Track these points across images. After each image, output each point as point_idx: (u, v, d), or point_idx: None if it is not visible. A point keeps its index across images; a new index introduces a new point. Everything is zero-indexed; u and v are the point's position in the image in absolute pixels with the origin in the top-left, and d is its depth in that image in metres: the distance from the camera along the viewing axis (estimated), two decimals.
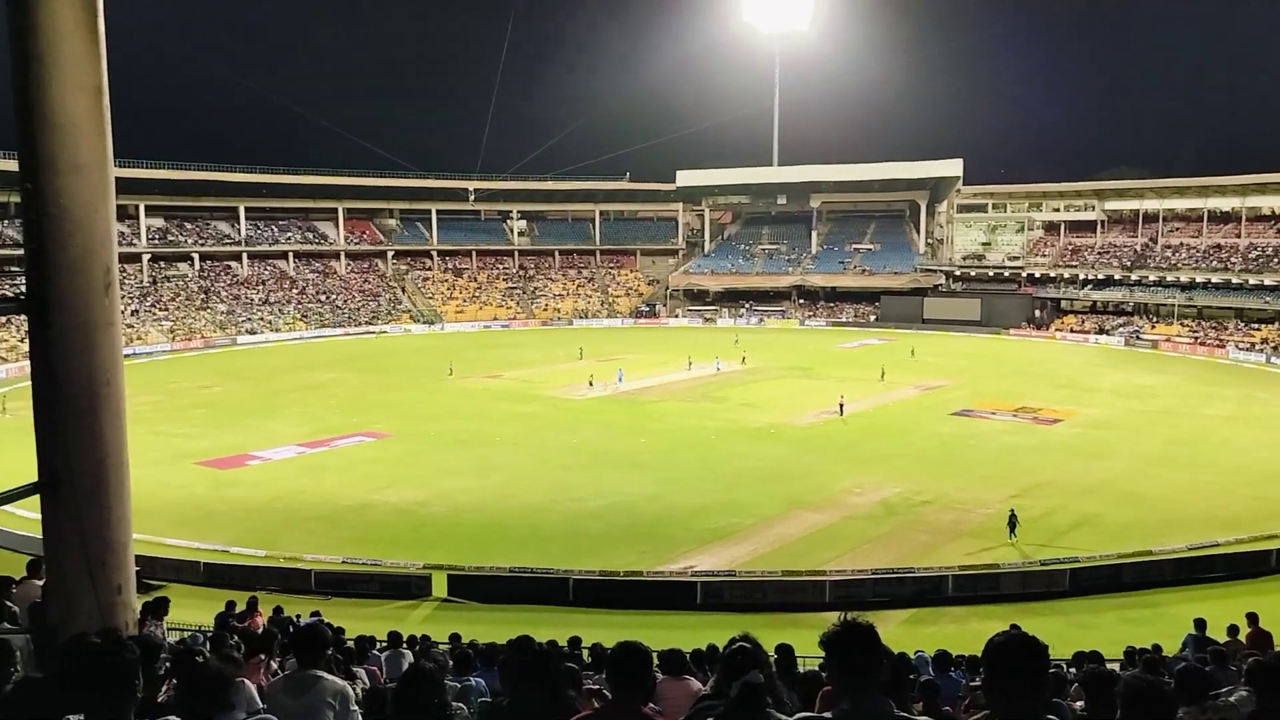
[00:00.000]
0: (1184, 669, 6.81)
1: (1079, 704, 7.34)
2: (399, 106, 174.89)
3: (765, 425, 47.21)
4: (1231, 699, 6.12)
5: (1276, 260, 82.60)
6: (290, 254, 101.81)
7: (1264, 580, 26.45)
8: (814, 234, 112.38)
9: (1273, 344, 74.87)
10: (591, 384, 57.97)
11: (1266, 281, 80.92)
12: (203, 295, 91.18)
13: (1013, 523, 29.78)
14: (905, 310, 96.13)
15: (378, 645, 14.49)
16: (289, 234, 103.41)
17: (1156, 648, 13.84)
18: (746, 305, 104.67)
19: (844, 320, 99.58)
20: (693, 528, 31.21)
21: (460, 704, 7.70)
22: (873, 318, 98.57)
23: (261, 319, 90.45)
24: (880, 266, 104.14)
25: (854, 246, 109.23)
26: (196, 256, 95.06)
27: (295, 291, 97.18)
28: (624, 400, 54.91)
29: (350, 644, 13.92)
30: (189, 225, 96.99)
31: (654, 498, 34.65)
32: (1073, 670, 12.28)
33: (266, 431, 45.80)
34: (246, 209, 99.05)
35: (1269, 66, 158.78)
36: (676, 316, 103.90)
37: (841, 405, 49.61)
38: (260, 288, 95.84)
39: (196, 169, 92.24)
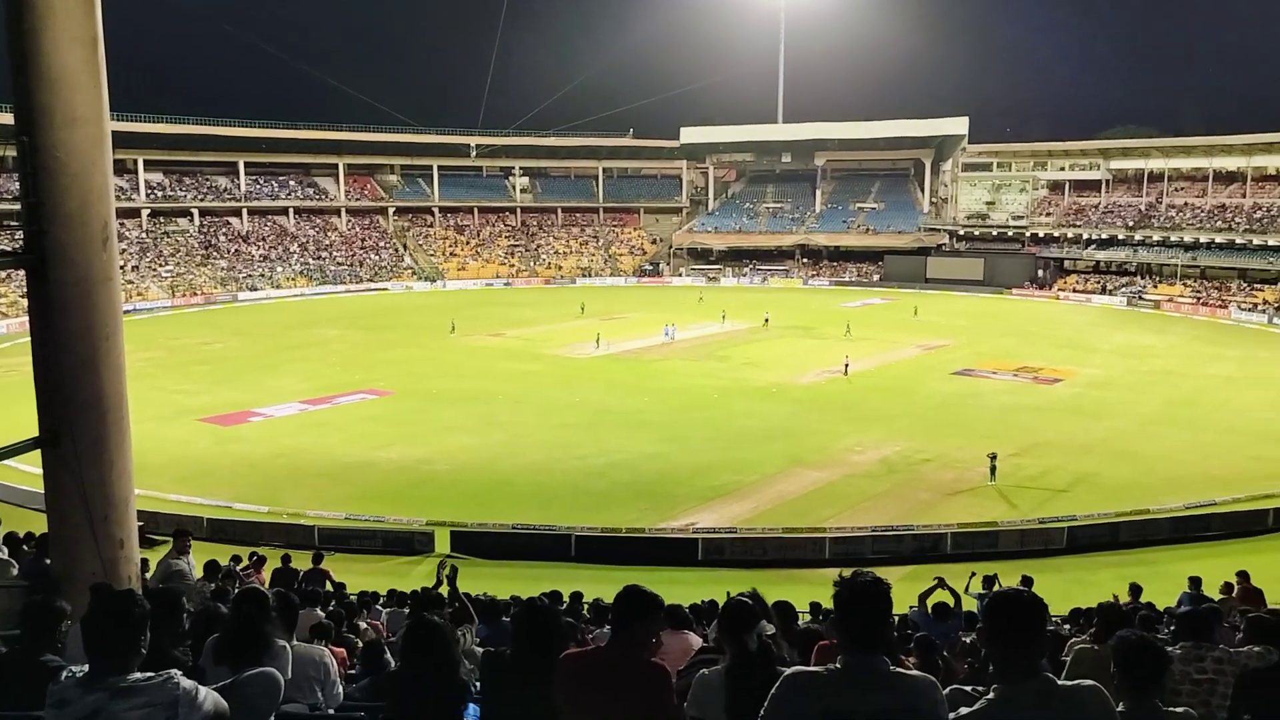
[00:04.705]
0: (1186, 613, 6.87)
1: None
2: (400, 61, 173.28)
3: (768, 384, 47.26)
4: (1241, 650, 6.21)
5: None
6: (291, 210, 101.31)
7: (1260, 539, 26.64)
8: (818, 192, 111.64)
9: (1275, 304, 74.62)
10: (599, 343, 57.72)
11: (1270, 242, 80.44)
12: (203, 251, 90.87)
13: (993, 467, 31.27)
14: (909, 269, 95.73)
15: (380, 600, 14.64)
16: (289, 189, 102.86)
17: (1150, 605, 13.94)
18: (750, 264, 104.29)
19: (847, 279, 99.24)
20: (695, 485, 31.39)
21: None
22: (876, 277, 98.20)
23: (262, 275, 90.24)
24: (884, 226, 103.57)
25: (858, 205, 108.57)
26: (196, 212, 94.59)
27: (296, 248, 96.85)
28: (627, 359, 54.94)
29: (352, 599, 14.08)
30: (188, 180, 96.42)
31: (656, 456, 34.78)
32: (1067, 627, 12.41)
33: (268, 388, 45.89)
34: (246, 164, 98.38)
35: (1274, 25, 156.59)
36: (680, 275, 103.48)
37: (846, 364, 49.64)
38: (261, 244, 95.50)
39: (195, 123, 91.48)
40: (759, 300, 79.42)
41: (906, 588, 17.28)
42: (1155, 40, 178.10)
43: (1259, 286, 79.46)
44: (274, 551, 19.31)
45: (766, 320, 67.75)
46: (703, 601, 12.97)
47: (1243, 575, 15.18)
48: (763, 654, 3.94)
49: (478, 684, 5.02)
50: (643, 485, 31.57)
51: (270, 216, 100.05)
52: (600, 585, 17.45)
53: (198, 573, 11.16)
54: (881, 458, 34.53)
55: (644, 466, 33.59)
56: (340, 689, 5.97)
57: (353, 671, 7.84)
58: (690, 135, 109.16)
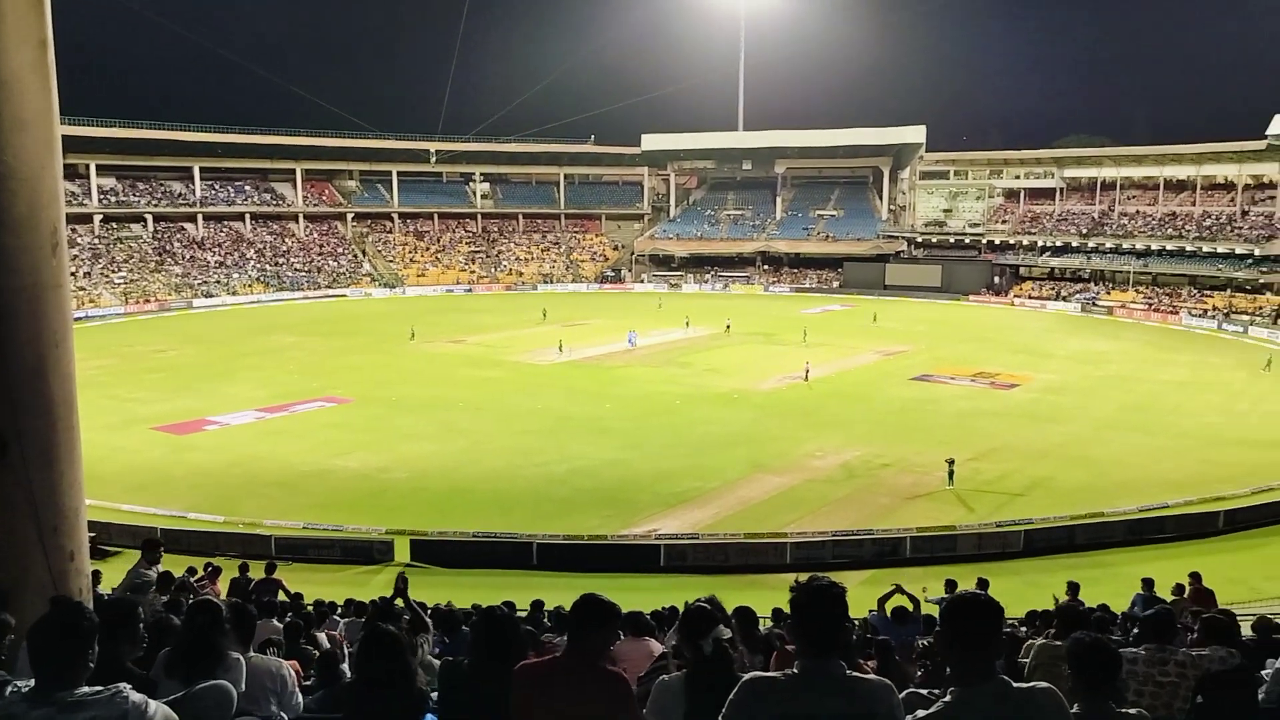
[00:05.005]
0: (1149, 616, 7.01)
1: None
2: (359, 65, 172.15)
3: (730, 390, 47.43)
4: (1204, 653, 6.35)
5: (1229, 228, 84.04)
6: (247, 215, 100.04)
7: (1211, 540, 27.20)
8: (779, 200, 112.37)
9: (1224, 310, 76.36)
10: (561, 350, 57.61)
11: (1219, 249, 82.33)
12: (157, 257, 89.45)
13: (951, 472, 31.70)
14: (868, 276, 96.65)
15: (338, 611, 14.49)
16: (245, 195, 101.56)
17: (1104, 606, 14.16)
18: (712, 271, 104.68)
19: (808, 286, 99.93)
20: (657, 491, 31.40)
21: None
22: (836, 284, 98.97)
23: (218, 281, 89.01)
24: (843, 233, 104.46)
25: (818, 213, 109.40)
26: (150, 218, 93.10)
27: (252, 254, 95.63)
28: (589, 366, 54.89)
29: (309, 609, 13.91)
30: (141, 185, 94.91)
31: (618, 462, 34.76)
32: (1023, 629, 12.56)
33: (224, 396, 45.25)
34: (201, 169, 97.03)
35: (1222, 36, 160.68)
36: (642, 282, 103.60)
37: (807, 370, 49.98)
38: (216, 250, 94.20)
39: (149, 127, 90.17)
40: (721, 307, 79.77)
41: (866, 591, 17.44)
42: (1107, 51, 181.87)
43: (1208, 293, 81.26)
44: (230, 562, 19.02)
45: (728, 327, 68.02)
46: (664, 608, 12.96)
47: (1195, 576, 15.45)
48: (719, 658, 3.95)
49: (435, 694, 4.97)
50: (605, 492, 31.52)
51: (226, 222, 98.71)
52: (562, 593, 17.40)
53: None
54: (842, 463, 34.78)
55: (606, 473, 33.55)
56: (299, 700, 5.88)
57: (308, 683, 7.73)
58: (651, 142, 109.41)
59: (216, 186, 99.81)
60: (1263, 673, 6.79)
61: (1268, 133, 77.01)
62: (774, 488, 32.00)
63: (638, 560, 25.58)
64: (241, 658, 5.41)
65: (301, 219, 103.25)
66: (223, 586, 14.86)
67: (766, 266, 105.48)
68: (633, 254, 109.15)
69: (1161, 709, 5.82)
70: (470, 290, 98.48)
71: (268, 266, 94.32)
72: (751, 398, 46.03)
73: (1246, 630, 10.11)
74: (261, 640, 7.89)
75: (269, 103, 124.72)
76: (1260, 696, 6.54)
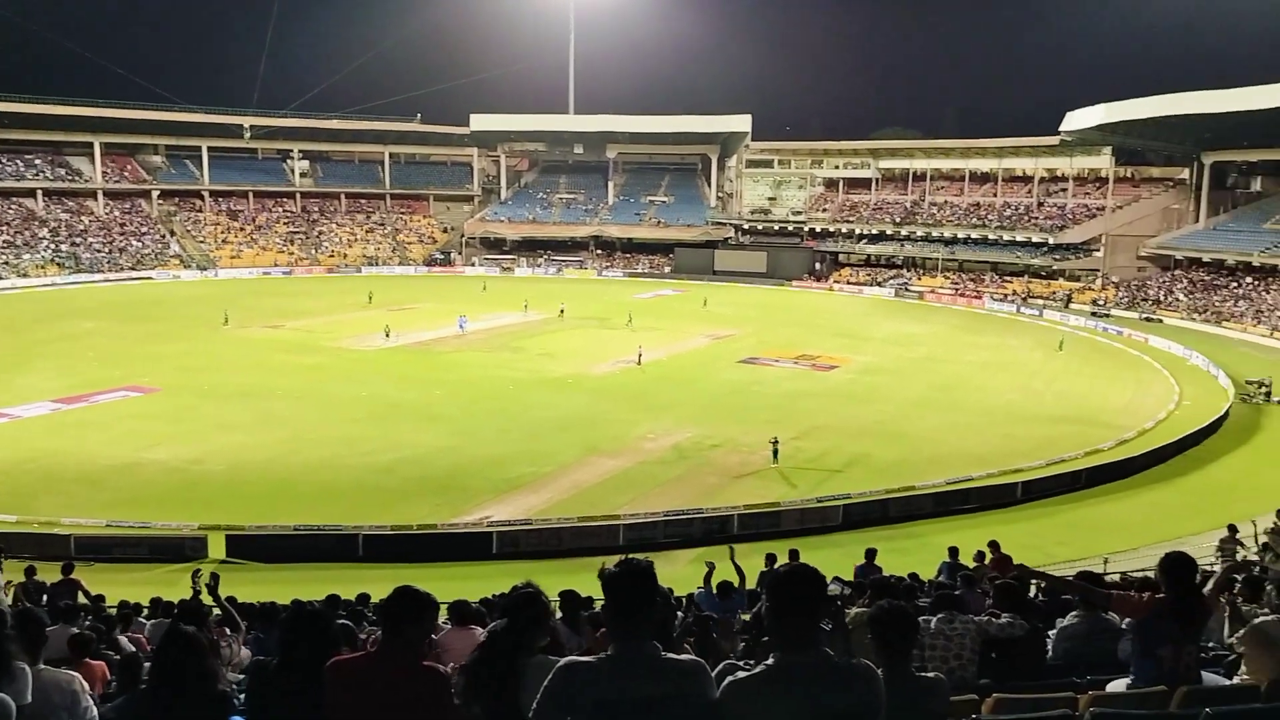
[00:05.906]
0: (940, 595, 7.52)
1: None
2: (165, 32, 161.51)
3: (563, 375, 47.41)
4: (1000, 619, 6.90)
5: (1027, 218, 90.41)
6: (39, 191, 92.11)
7: (1010, 510, 29.30)
8: (610, 185, 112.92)
9: (1022, 295, 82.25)
10: (388, 335, 55.95)
11: (1018, 238, 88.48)
12: None
13: (775, 451, 32.87)
14: (697, 262, 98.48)
15: (144, 612, 13.65)
16: (36, 169, 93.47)
17: (914, 575, 14.99)
18: (544, 255, 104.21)
19: (640, 271, 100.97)
20: (490, 478, 31.06)
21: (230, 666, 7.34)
22: (667, 269, 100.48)
23: (6, 263, 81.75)
24: (674, 219, 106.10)
25: (649, 198, 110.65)
26: None
27: (46, 233, 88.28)
28: (418, 351, 53.65)
29: (112, 611, 13.09)
30: None
31: (450, 449, 34.16)
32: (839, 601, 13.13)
33: (14, 387, 41.65)
34: None
35: (1024, 40, 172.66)
36: (473, 265, 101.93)
37: (640, 355, 50.53)
38: (4, 229, 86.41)
39: None
40: (554, 291, 79.55)
41: (697, 569, 17.80)
42: (921, 50, 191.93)
43: (1009, 279, 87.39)
44: (20, 564, 17.56)
45: (562, 311, 67.93)
46: (495, 595, 12.84)
47: (994, 545, 16.52)
48: (504, 645, 3.89)
49: (243, 696, 4.70)
50: (435, 480, 30.92)
51: (15, 199, 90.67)
52: (390, 585, 16.93)
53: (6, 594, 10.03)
54: (673, 444, 35.40)
55: (436, 461, 32.92)
56: (95, 713, 5.46)
57: (111, 689, 7.22)
58: (481, 122, 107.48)
59: (4, 160, 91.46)
60: (1050, 633, 7.38)
61: (1060, 129, 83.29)
62: (607, 470, 32.24)
63: (469, 548, 25.26)
64: (28, 669, 4.99)
65: (101, 196, 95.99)
66: (9, 590, 13.69)
67: (600, 251, 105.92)
68: (463, 236, 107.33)
69: (953, 659, 6.34)
70: (289, 273, 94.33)
71: (63, 246, 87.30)
72: (585, 382, 46.19)
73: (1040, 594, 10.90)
74: (64, 642, 7.33)
75: (64, 70, 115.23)
76: (1048, 654, 7.10)
